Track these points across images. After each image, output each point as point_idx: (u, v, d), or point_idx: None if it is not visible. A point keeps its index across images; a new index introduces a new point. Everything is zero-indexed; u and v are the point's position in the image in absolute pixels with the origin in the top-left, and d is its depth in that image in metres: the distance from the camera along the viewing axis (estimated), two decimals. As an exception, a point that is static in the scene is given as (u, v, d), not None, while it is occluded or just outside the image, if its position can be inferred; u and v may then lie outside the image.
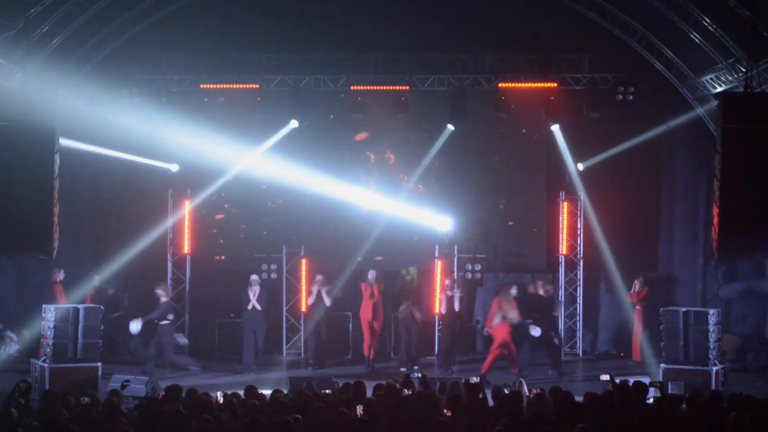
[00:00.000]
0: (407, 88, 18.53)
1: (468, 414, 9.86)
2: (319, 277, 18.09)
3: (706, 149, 18.06)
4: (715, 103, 16.61)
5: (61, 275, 18.28)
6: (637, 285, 18.55)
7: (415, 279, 18.78)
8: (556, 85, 18.36)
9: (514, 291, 17.11)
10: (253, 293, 17.62)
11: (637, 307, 18.49)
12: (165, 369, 16.80)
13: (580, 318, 19.36)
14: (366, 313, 17.89)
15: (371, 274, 18.01)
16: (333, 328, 18.52)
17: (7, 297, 19.20)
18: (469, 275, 19.21)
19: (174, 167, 19.26)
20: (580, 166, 19.15)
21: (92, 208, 19.86)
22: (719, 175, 12.68)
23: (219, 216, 19.66)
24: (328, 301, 17.89)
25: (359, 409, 9.86)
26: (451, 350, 17.82)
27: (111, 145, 18.94)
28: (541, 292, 17.35)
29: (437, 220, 19.18)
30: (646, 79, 18.75)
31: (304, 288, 18.81)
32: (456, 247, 19.29)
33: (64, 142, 14.61)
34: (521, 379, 11.64)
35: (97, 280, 18.60)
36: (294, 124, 18.67)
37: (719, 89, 17.27)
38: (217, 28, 18.66)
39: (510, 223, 19.65)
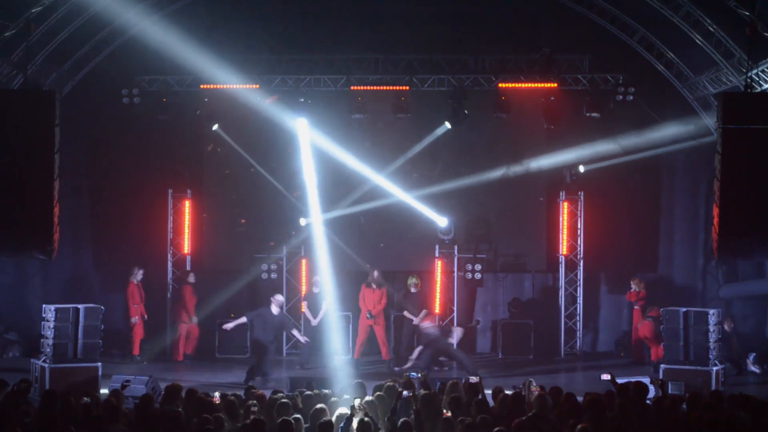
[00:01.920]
0: (407, 88, 18.51)
1: (467, 414, 9.87)
2: (315, 278, 18.15)
3: (706, 149, 18.05)
4: (715, 103, 16.63)
5: (139, 276, 18.40)
6: (633, 285, 18.57)
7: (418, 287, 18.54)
8: (556, 85, 18.35)
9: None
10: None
11: (636, 307, 18.52)
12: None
13: (580, 318, 19.36)
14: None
15: (376, 276, 18.05)
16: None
17: (7, 297, 19.21)
18: (469, 275, 19.20)
19: (175, 167, 19.27)
20: (581, 168, 19.15)
21: (92, 208, 19.86)
22: (719, 175, 12.68)
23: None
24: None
25: (357, 402, 9.86)
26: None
27: (111, 145, 18.99)
28: None
29: (436, 218, 19.16)
30: (646, 80, 18.75)
31: (304, 288, 18.83)
32: (456, 247, 19.29)
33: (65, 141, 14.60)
34: (531, 379, 11.64)
35: (192, 276, 18.79)
36: (303, 122, 18.68)
37: (719, 89, 17.27)
38: (217, 28, 18.65)
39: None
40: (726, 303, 18.92)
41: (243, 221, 19.50)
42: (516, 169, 19.11)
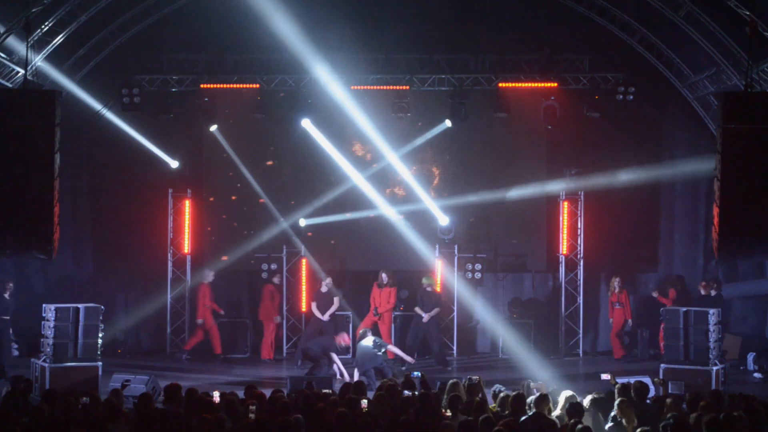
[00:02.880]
0: (407, 88, 18.51)
1: (467, 414, 9.87)
2: (328, 279, 18.25)
3: (706, 149, 18.05)
4: (715, 103, 16.62)
5: (210, 277, 18.48)
6: (616, 285, 18.59)
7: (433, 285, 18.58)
8: (556, 85, 18.37)
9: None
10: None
11: (617, 306, 18.58)
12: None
13: (580, 318, 19.35)
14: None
15: (384, 277, 18.16)
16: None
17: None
18: (469, 275, 19.20)
19: (174, 164, 19.25)
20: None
21: (92, 208, 19.86)
22: (719, 175, 12.65)
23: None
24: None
25: (364, 403, 9.87)
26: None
27: (111, 145, 19.01)
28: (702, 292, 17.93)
29: (438, 216, 19.17)
30: (646, 79, 18.75)
31: (304, 288, 18.83)
32: (456, 247, 19.28)
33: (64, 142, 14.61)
34: (529, 381, 11.63)
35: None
36: (307, 123, 18.71)
37: (719, 89, 17.26)
38: (217, 28, 18.66)
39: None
40: (726, 302, 18.93)
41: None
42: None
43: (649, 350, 18.75)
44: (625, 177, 18.49)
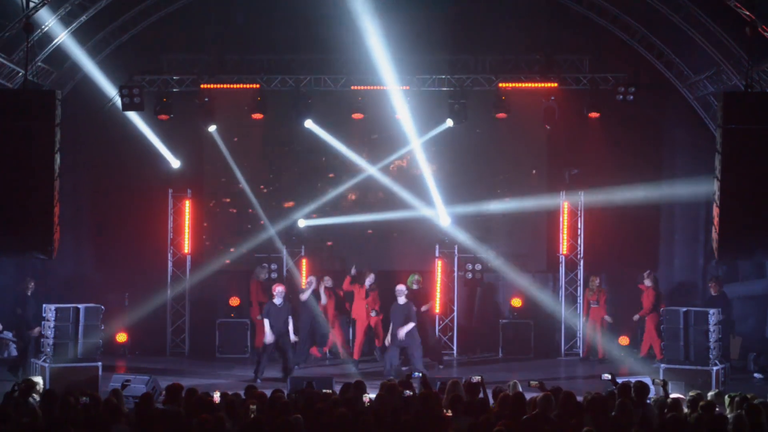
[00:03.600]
0: (407, 88, 18.51)
1: (468, 414, 9.86)
2: (310, 278, 18.16)
3: (706, 149, 18.05)
4: (715, 103, 16.62)
5: (264, 274, 18.52)
6: (596, 284, 18.63)
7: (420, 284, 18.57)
8: (556, 85, 18.36)
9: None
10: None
11: (593, 305, 18.61)
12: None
13: (580, 318, 19.34)
14: (361, 313, 18.05)
15: (370, 279, 18.11)
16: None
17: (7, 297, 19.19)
18: (469, 275, 19.20)
19: (175, 163, 19.25)
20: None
21: (92, 208, 19.86)
22: (719, 175, 12.66)
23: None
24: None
25: (366, 399, 9.86)
26: None
27: (112, 145, 19.01)
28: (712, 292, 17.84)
29: (441, 214, 19.19)
30: (646, 79, 18.75)
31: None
32: (456, 247, 19.28)
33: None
34: (516, 381, 11.63)
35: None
36: (309, 123, 18.72)
37: (719, 89, 17.26)
38: (217, 28, 18.66)
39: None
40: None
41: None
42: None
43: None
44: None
